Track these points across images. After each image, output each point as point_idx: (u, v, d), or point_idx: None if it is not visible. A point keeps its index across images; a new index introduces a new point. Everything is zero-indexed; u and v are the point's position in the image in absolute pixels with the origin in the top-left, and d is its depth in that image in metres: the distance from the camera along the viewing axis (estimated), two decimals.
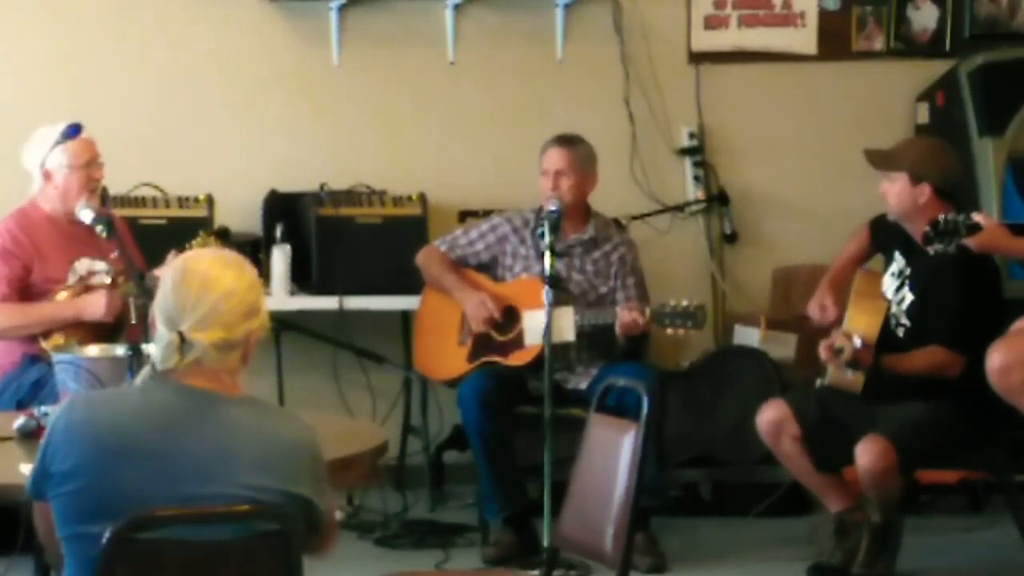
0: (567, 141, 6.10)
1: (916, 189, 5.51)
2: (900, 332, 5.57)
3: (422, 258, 6.25)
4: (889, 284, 5.64)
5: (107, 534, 2.80)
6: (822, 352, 5.46)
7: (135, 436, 2.87)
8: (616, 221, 6.67)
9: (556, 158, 6.06)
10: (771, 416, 5.56)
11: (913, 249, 5.55)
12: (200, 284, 2.93)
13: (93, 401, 2.97)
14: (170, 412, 2.90)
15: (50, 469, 2.91)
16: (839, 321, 5.56)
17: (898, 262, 5.63)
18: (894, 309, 5.59)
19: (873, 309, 5.54)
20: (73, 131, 5.53)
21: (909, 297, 5.57)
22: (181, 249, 5.40)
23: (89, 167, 5.53)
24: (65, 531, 2.91)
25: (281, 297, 6.48)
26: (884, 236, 5.72)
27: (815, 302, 5.68)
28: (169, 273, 2.99)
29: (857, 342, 5.39)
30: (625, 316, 5.82)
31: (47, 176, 5.56)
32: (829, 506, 5.66)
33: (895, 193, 5.55)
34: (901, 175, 5.53)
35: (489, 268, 6.20)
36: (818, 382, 5.61)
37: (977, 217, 4.97)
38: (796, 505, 6.47)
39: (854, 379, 5.44)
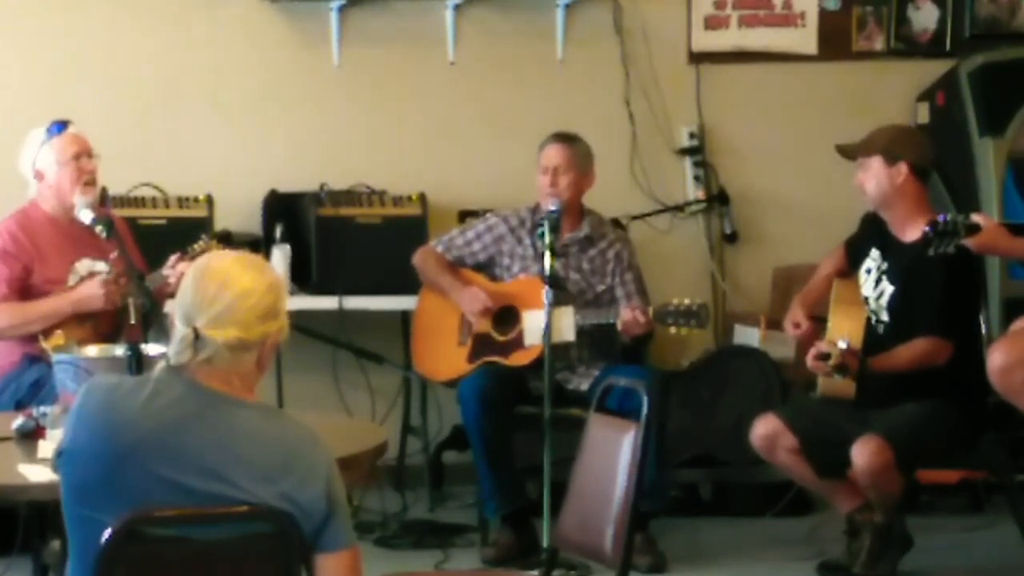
0: (565, 138, 6.10)
1: (892, 169, 5.53)
2: (880, 329, 5.57)
3: (419, 259, 6.24)
4: (865, 281, 5.65)
5: (107, 533, 2.80)
6: (809, 361, 5.45)
7: (143, 429, 2.88)
8: (616, 221, 6.68)
9: (554, 155, 6.06)
10: (763, 431, 5.56)
11: (889, 243, 5.59)
12: (219, 282, 2.93)
13: (109, 388, 2.98)
14: (180, 408, 2.90)
15: (63, 446, 2.95)
16: (821, 331, 5.56)
17: (873, 259, 5.64)
18: (872, 305, 5.59)
19: (854, 314, 5.54)
20: (58, 128, 5.53)
21: (889, 289, 5.57)
22: (183, 252, 5.44)
23: (78, 160, 5.51)
24: (68, 510, 2.93)
25: None
26: (858, 248, 5.73)
27: (789, 319, 5.68)
28: (190, 271, 2.99)
29: (843, 344, 5.38)
30: (626, 314, 5.81)
31: (39, 176, 5.56)
32: (839, 507, 5.66)
33: (871, 178, 5.56)
34: (875, 158, 5.55)
35: (486, 268, 6.20)
36: (810, 395, 5.62)
37: (976, 217, 4.97)
38: (797, 505, 6.47)
39: (846, 386, 5.44)
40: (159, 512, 2.84)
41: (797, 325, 5.62)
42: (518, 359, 5.98)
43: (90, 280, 5.47)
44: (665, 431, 5.92)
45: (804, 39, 7.37)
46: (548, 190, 6.01)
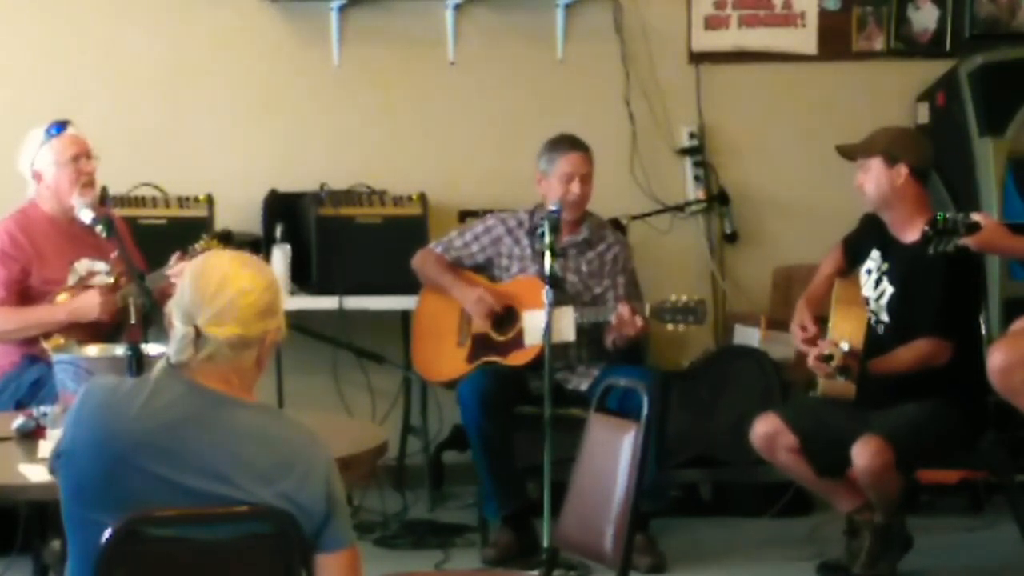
0: (584, 145, 6.05)
1: (892, 171, 5.54)
2: (880, 329, 5.57)
3: (418, 261, 6.24)
4: (866, 282, 5.65)
5: (107, 534, 2.80)
6: (810, 362, 5.45)
7: (142, 429, 2.88)
8: (616, 221, 6.68)
9: (581, 162, 6.01)
10: (763, 430, 5.55)
11: (889, 243, 5.59)
12: (219, 280, 2.95)
13: (108, 389, 2.98)
14: (179, 409, 2.91)
15: (61, 448, 2.96)
16: (823, 331, 5.56)
17: (873, 259, 5.64)
18: (873, 306, 5.59)
19: (855, 316, 5.54)
20: (57, 129, 5.54)
21: (889, 290, 5.57)
22: (184, 251, 5.44)
23: (77, 161, 5.51)
24: (68, 512, 2.94)
25: None
26: (858, 247, 5.73)
27: (795, 323, 5.68)
28: (188, 270, 3.01)
29: (844, 346, 5.39)
30: (623, 310, 5.80)
31: (38, 177, 5.56)
32: (839, 507, 5.66)
33: (872, 179, 5.56)
34: (876, 160, 5.56)
35: (485, 269, 6.19)
36: (810, 394, 5.62)
37: (976, 216, 4.97)
38: (797, 505, 6.47)
39: (846, 387, 5.43)
40: (159, 512, 2.84)
41: (804, 328, 5.60)
42: (517, 359, 5.98)
43: (88, 291, 5.46)
44: (665, 431, 5.92)
45: (804, 39, 7.38)
46: (574, 197, 5.97)
